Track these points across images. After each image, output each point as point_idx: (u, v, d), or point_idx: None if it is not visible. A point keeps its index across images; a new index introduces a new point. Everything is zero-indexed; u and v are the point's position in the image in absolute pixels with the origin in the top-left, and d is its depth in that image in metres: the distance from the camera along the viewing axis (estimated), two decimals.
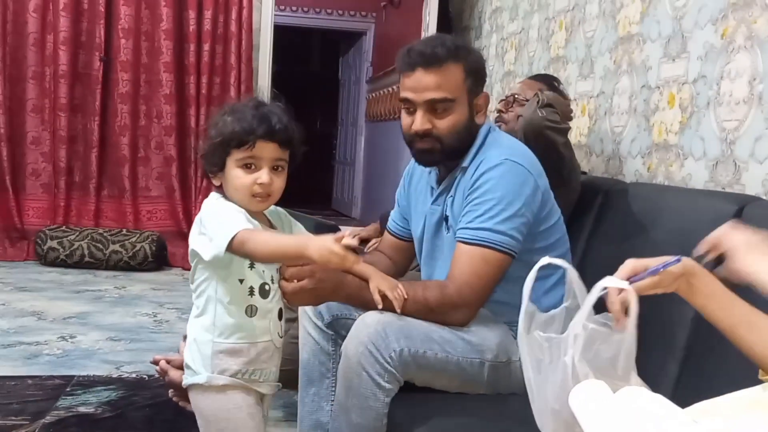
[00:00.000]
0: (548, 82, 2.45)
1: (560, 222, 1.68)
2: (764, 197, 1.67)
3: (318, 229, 2.41)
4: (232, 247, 1.21)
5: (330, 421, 1.58)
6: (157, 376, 2.17)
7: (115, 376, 2.44)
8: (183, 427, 2.02)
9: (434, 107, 1.55)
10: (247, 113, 1.29)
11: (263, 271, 1.33)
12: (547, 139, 2.00)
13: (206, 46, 4.52)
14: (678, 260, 1.06)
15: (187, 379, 1.38)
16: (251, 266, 1.31)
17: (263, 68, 4.68)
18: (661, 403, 0.82)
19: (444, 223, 1.65)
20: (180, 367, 2.11)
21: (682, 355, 1.42)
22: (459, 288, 1.47)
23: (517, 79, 3.41)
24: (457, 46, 1.57)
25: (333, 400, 1.60)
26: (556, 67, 3.14)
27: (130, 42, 4.46)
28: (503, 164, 1.54)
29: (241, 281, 1.30)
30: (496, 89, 3.92)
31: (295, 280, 1.38)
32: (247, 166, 1.29)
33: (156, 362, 2.13)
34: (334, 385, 1.61)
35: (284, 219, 1.44)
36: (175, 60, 4.50)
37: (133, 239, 4.24)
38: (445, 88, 1.54)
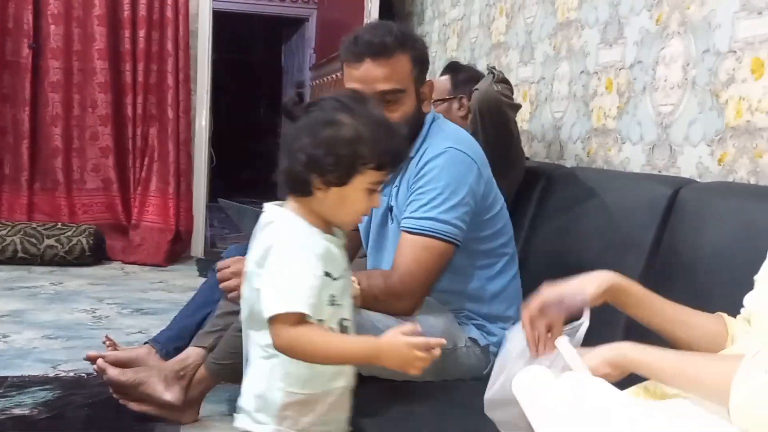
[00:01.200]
0: (456, 69, 2.46)
1: (504, 209, 1.69)
2: (698, 180, 1.71)
3: (258, 219, 2.36)
4: (277, 321, 1.05)
5: None
6: (96, 374, 2.11)
7: (51, 375, 2.35)
8: (125, 427, 1.96)
9: (384, 99, 1.54)
10: (388, 130, 1.13)
11: (345, 306, 1.17)
12: (502, 115, 2.02)
13: (142, 33, 4.36)
14: (582, 323, 1.09)
15: (245, 425, 1.17)
16: (332, 302, 1.13)
17: (202, 55, 4.56)
18: (604, 390, 0.83)
19: (389, 213, 1.64)
20: (117, 363, 2.07)
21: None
22: (402, 277, 1.47)
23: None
24: (404, 35, 1.56)
25: None
26: (497, 53, 3.16)
27: (61, 28, 4.28)
28: (447, 152, 1.54)
29: (321, 321, 1.11)
30: (437, 77, 3.92)
31: None
32: (372, 191, 1.13)
33: (91, 359, 2.07)
34: None
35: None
36: (110, 47, 4.33)
37: (69, 233, 4.09)
38: (394, 79, 1.53)
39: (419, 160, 1.56)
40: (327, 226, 1.15)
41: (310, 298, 1.06)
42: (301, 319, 1.06)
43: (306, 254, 1.08)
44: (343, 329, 1.15)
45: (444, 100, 2.38)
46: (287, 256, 1.08)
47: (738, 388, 0.76)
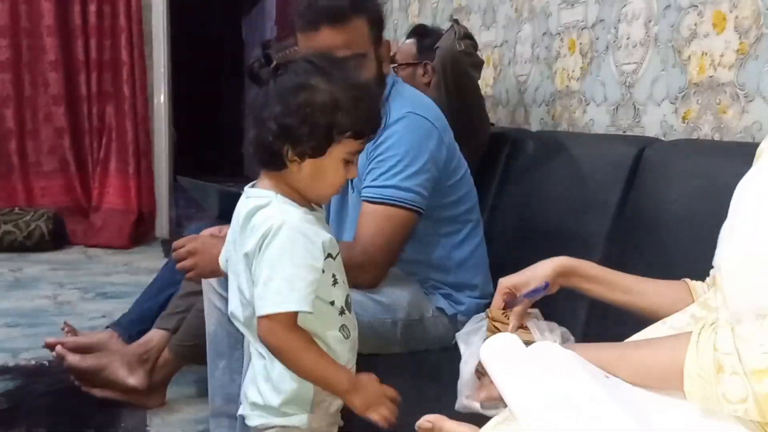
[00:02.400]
0: (421, 33, 2.41)
1: (467, 175, 1.66)
2: (663, 138, 1.69)
3: (222, 198, 2.30)
4: (274, 318, 1.00)
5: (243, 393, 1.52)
6: (57, 361, 2.05)
7: (11, 364, 2.28)
8: (88, 414, 1.91)
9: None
10: (367, 95, 1.05)
11: (344, 282, 1.12)
12: (465, 73, 1.98)
13: (92, 7, 4.21)
14: (546, 285, 1.10)
15: (270, 421, 1.10)
16: (335, 282, 1.08)
17: (157, 30, 4.42)
18: (574, 361, 0.80)
19: (349, 182, 1.60)
20: (78, 349, 2.01)
21: (585, 319, 1.43)
22: (364, 248, 1.42)
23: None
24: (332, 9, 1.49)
25: (244, 372, 1.53)
26: (459, 17, 3.10)
27: (6, 4, 4.10)
28: (406, 118, 1.49)
29: (332, 303, 1.08)
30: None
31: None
32: (348, 161, 1.06)
33: (50, 346, 2.01)
34: (243, 356, 1.55)
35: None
36: (59, 23, 4.17)
37: (27, 218, 3.97)
38: (354, 44, 1.47)
39: None
40: (305, 200, 1.08)
41: (311, 294, 1.01)
42: (295, 317, 1.02)
43: (308, 244, 1.01)
44: (348, 305, 1.11)
45: (408, 64, 2.32)
46: (289, 248, 1.00)
47: (690, 357, 0.75)
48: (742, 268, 0.80)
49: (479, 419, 0.89)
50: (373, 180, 1.47)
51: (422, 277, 1.60)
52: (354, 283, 1.42)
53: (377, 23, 1.54)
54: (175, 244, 1.47)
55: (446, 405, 1.11)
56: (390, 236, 1.44)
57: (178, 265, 1.45)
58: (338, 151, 1.03)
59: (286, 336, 1.01)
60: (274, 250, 1.00)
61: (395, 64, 2.28)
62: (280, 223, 1.00)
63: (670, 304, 1.01)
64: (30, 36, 4.17)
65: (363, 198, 1.48)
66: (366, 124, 1.04)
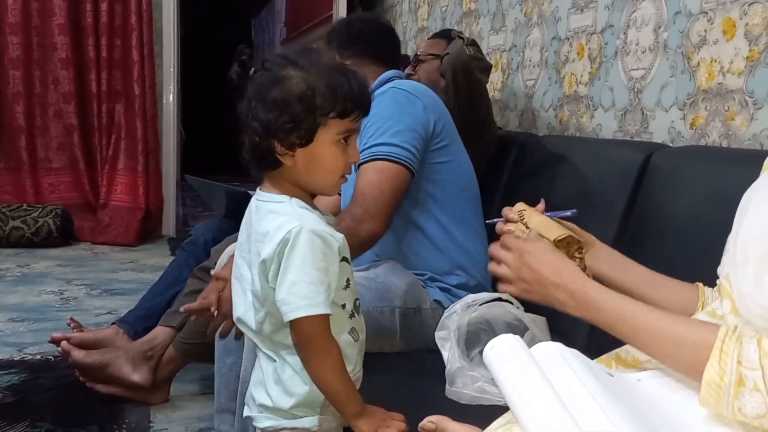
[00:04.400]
0: (450, 36, 2.41)
1: (464, 162, 1.67)
2: (670, 144, 1.69)
3: (229, 197, 2.31)
4: (308, 322, 0.99)
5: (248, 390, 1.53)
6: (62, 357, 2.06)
7: (17, 359, 2.29)
8: (91, 409, 1.91)
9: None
10: (342, 74, 1.03)
11: (354, 285, 1.11)
12: (474, 76, 2.01)
13: (104, 6, 4.23)
14: (576, 212, 1.09)
15: (273, 423, 1.09)
16: (347, 285, 1.08)
17: (167, 29, 4.44)
18: (578, 362, 0.80)
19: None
20: (83, 345, 2.01)
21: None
22: (358, 202, 1.46)
23: (430, 34, 3.36)
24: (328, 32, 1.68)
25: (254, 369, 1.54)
26: (468, 21, 3.11)
27: (19, 2, 4.12)
28: (389, 91, 1.57)
29: (344, 306, 1.08)
30: (410, 46, 3.86)
31: None
32: (344, 142, 1.04)
33: (56, 341, 2.02)
34: (251, 354, 1.55)
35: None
36: (70, 21, 4.19)
37: (35, 214, 3.99)
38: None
39: None
40: (312, 196, 1.08)
41: (330, 297, 1.02)
42: (327, 320, 1.01)
43: (326, 248, 1.01)
44: (357, 308, 1.11)
45: (434, 55, 2.32)
46: (311, 251, 1.00)
47: (712, 366, 0.74)
48: (759, 290, 0.79)
49: (481, 421, 0.89)
50: (362, 145, 1.51)
51: (420, 270, 1.61)
52: (357, 239, 1.39)
53: (344, 39, 1.71)
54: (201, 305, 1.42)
55: (447, 403, 1.11)
56: (380, 186, 1.47)
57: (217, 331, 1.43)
58: (327, 134, 1.02)
59: (323, 341, 1.01)
60: (297, 254, 0.99)
61: (420, 58, 2.30)
62: (299, 228, 1.00)
63: (677, 300, 1.01)
64: (41, 34, 4.19)
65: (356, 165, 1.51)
66: (347, 100, 1.01)
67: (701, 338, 0.77)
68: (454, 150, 1.64)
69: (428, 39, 2.48)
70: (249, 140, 1.02)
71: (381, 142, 1.50)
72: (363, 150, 1.50)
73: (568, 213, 1.09)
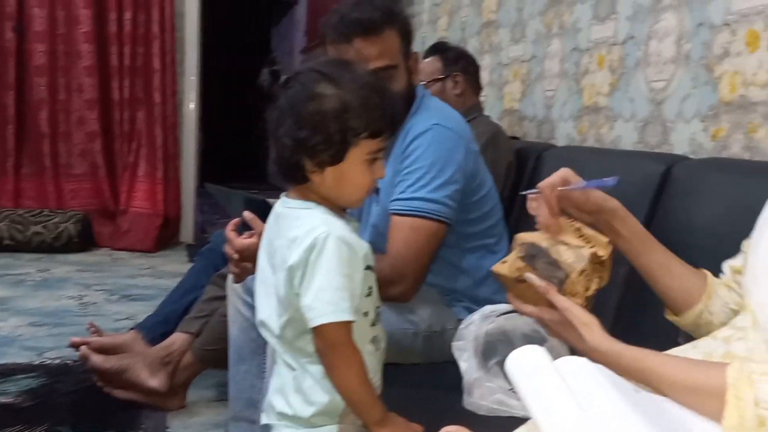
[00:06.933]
0: (443, 50, 2.39)
1: (493, 191, 1.66)
2: (691, 156, 1.67)
3: (247, 204, 2.32)
4: (333, 329, 0.99)
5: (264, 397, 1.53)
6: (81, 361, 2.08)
7: (36, 363, 2.31)
8: (109, 414, 1.93)
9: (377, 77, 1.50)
10: (377, 93, 1.03)
11: (376, 293, 1.10)
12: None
13: (128, 15, 4.29)
14: (615, 181, 1.05)
15: (292, 431, 1.09)
16: (369, 293, 1.07)
17: (190, 37, 4.49)
18: (602, 376, 0.79)
19: (375, 194, 1.60)
20: (100, 350, 2.03)
21: (614, 314, 1.42)
22: (392, 262, 1.42)
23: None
24: (389, 9, 1.53)
25: (265, 378, 1.54)
26: (488, 31, 3.11)
27: (45, 11, 4.20)
28: (432, 129, 1.50)
29: (366, 314, 1.07)
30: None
31: None
32: (372, 161, 1.03)
33: (75, 345, 2.04)
34: (265, 361, 1.55)
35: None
36: (95, 29, 4.26)
37: (56, 220, 4.04)
38: (386, 55, 1.48)
39: (405, 138, 1.51)
40: (339, 209, 1.08)
41: (355, 304, 1.02)
42: (351, 327, 1.01)
43: (353, 255, 1.02)
44: (378, 316, 1.10)
45: (437, 80, 2.32)
46: (337, 257, 0.99)
47: (731, 414, 0.74)
48: None
49: (497, 431, 0.88)
50: (401, 192, 1.47)
51: (444, 289, 1.60)
52: (385, 297, 1.40)
53: (407, 35, 1.56)
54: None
55: (465, 415, 1.11)
56: (418, 249, 1.44)
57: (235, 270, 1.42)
58: (358, 154, 1.01)
59: (347, 348, 1.01)
60: (324, 260, 0.99)
61: (423, 82, 2.27)
62: (326, 234, 0.99)
63: (684, 290, 1.02)
64: (66, 42, 4.26)
65: (391, 211, 1.48)
66: (380, 121, 1.01)
67: (714, 384, 0.77)
68: (484, 180, 1.61)
69: (423, 59, 2.39)
70: (278, 153, 1.03)
71: (422, 196, 1.45)
72: (404, 199, 1.46)
73: (610, 182, 1.05)
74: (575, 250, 1.02)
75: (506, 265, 1.04)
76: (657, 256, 1.06)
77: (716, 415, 0.76)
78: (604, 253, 1.02)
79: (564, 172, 1.07)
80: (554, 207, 1.04)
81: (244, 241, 1.34)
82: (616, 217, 1.06)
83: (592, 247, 1.02)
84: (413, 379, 1.43)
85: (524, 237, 1.07)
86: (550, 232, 1.04)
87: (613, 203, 1.07)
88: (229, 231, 1.37)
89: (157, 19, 4.31)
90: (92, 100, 4.31)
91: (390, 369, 1.43)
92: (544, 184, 1.05)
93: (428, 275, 1.55)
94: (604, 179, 1.04)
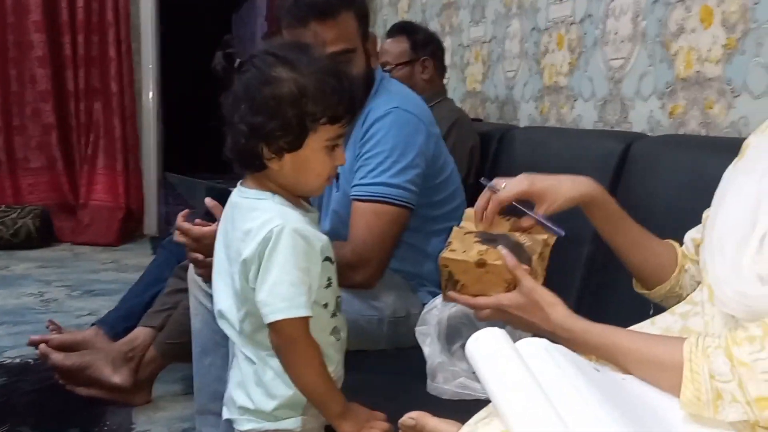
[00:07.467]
0: (411, 30, 2.35)
1: (455, 173, 1.65)
2: (650, 134, 1.69)
3: (210, 194, 2.28)
4: (289, 325, 0.97)
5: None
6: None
7: None
8: (72, 412, 1.89)
9: (336, 61, 1.46)
10: (335, 77, 0.99)
11: (336, 283, 1.08)
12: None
13: (80, 2, 4.17)
14: (562, 233, 1.05)
15: (255, 426, 1.07)
16: (328, 284, 1.05)
17: (146, 26, 4.39)
18: (563, 357, 0.79)
19: (336, 180, 1.58)
20: (61, 347, 1.98)
21: (577, 295, 1.43)
22: (354, 248, 1.41)
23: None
24: None
25: (230, 369, 1.52)
26: (448, 13, 3.09)
27: None
28: (392, 113, 1.48)
29: (326, 306, 1.06)
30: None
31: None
32: (332, 147, 1.01)
33: (34, 344, 1.99)
34: (228, 354, 1.53)
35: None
36: (45, 18, 4.13)
37: (14, 215, 3.93)
38: (344, 39, 1.46)
39: (364, 122, 1.49)
40: (297, 197, 1.05)
41: (312, 299, 1.00)
42: (307, 322, 1.00)
43: (309, 248, 0.99)
44: (338, 306, 1.09)
45: (404, 63, 2.27)
46: (293, 252, 0.97)
47: (687, 387, 0.75)
48: (733, 277, 0.80)
49: (463, 415, 0.88)
50: (362, 178, 1.46)
51: (409, 274, 1.59)
52: (348, 284, 1.39)
53: (364, 18, 1.53)
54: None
55: (429, 399, 1.10)
56: (381, 234, 1.43)
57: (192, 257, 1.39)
58: (317, 140, 0.99)
59: (303, 344, 1.00)
60: (279, 254, 0.97)
61: (389, 66, 2.24)
62: (281, 227, 0.97)
63: (657, 265, 1.05)
64: (16, 31, 4.13)
65: (353, 196, 1.46)
66: (340, 106, 0.99)
67: (672, 359, 0.77)
68: (447, 163, 1.60)
69: (388, 39, 2.33)
70: (233, 140, 0.99)
71: (383, 181, 1.43)
72: (365, 184, 1.44)
73: (558, 231, 1.04)
74: (529, 236, 1.02)
75: (461, 252, 1.02)
76: (628, 236, 1.07)
77: (675, 390, 0.76)
78: (551, 241, 1.04)
79: (525, 190, 1.05)
80: (499, 209, 1.05)
81: (202, 229, 1.32)
82: (594, 205, 1.07)
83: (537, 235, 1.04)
84: (378, 365, 1.42)
85: (466, 227, 1.07)
86: (484, 224, 1.05)
87: (588, 194, 1.07)
88: (180, 221, 1.34)
89: (111, 6, 4.20)
90: (46, 92, 4.18)
91: (355, 355, 1.42)
92: (503, 195, 1.04)
93: (392, 261, 1.54)
94: (556, 226, 1.04)
